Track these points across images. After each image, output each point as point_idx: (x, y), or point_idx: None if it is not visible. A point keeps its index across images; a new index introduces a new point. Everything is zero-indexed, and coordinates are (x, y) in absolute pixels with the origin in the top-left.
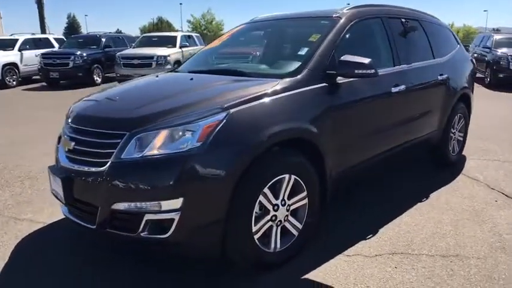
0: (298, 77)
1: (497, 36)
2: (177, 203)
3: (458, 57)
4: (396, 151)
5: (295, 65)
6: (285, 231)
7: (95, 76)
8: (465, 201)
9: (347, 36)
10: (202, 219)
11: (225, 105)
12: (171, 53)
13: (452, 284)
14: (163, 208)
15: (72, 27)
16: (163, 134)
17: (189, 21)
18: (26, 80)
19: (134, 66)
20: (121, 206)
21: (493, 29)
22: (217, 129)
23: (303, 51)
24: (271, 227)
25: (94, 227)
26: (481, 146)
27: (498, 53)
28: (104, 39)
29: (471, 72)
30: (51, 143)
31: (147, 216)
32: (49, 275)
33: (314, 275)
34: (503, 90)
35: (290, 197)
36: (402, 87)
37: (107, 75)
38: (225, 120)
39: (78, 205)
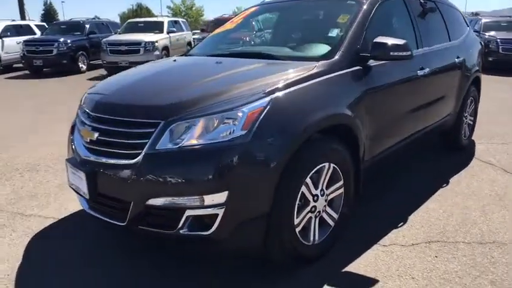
0: (333, 59)
1: (485, 20)
2: (222, 197)
3: (470, 39)
4: (417, 136)
5: (327, 47)
6: (321, 222)
7: (80, 63)
8: (486, 185)
9: (375, 16)
10: (247, 214)
11: (267, 90)
12: (159, 38)
13: (496, 272)
14: (207, 203)
15: (49, 13)
16: (202, 122)
17: (168, 7)
18: (7, 68)
19: (121, 52)
20: (158, 201)
21: (472, 13)
22: (262, 116)
23: (334, 33)
24: (310, 218)
25: (124, 223)
26: (486, 130)
27: (487, 36)
28: (87, 26)
29: (480, 55)
30: (42, 133)
31: (188, 212)
32: (67, 276)
33: (355, 268)
34: (495, 74)
35: (328, 186)
36: (427, 70)
37: (92, 62)
38: (269, 106)
39: (104, 201)
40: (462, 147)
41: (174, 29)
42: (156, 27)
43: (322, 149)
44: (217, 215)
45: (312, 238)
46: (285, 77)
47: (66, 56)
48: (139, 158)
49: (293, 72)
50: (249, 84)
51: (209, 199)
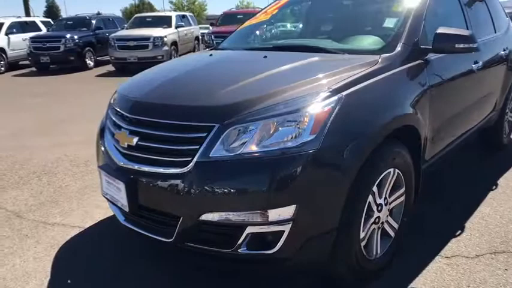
0: (395, 52)
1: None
2: (289, 211)
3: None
4: (467, 135)
5: (384, 39)
6: (383, 234)
7: (87, 60)
8: None
9: (431, 6)
10: (316, 229)
11: (333, 87)
12: (168, 33)
13: None
14: (271, 218)
15: (51, 10)
16: (264, 126)
17: (171, 2)
18: (13, 65)
19: (130, 48)
20: (213, 216)
21: None
22: (331, 117)
23: (390, 23)
24: (373, 230)
25: (171, 240)
26: None
27: None
28: (94, 21)
29: None
30: (54, 133)
31: (250, 229)
32: None
33: (420, 284)
34: None
35: (390, 194)
36: (480, 63)
37: (99, 58)
38: (338, 106)
39: (146, 214)
40: (503, 146)
41: (182, 23)
42: (164, 21)
43: (388, 154)
44: (282, 232)
45: (374, 252)
46: (349, 73)
47: (73, 52)
48: (190, 166)
49: (356, 67)
50: (310, 82)
51: (274, 214)
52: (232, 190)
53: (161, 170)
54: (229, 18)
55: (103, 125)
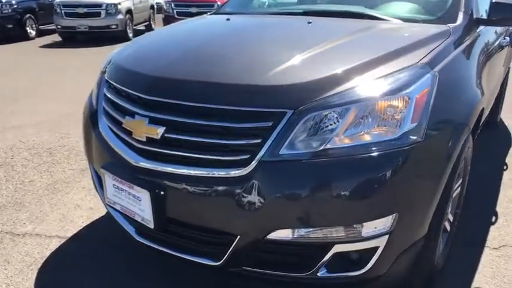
0: (460, 23)
1: None
2: (387, 222)
3: None
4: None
5: (441, 6)
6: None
7: (27, 28)
8: None
9: None
10: (409, 240)
11: (424, 62)
12: (122, 1)
13: None
14: (365, 233)
15: None
16: (354, 112)
17: None
18: None
19: (79, 15)
20: (286, 234)
21: None
22: (431, 100)
23: None
24: None
25: (219, 263)
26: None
27: None
28: None
29: None
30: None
31: (337, 248)
32: None
33: (484, 282)
34: None
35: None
36: (508, 39)
37: (41, 27)
38: (435, 86)
39: (178, 229)
40: (497, 123)
41: None
42: None
43: (467, 142)
44: (376, 248)
45: (437, 252)
46: (428, 45)
47: (11, 19)
48: (250, 168)
49: (431, 39)
50: (391, 55)
51: (369, 227)
52: (313, 200)
53: (205, 172)
54: None
55: (93, 108)
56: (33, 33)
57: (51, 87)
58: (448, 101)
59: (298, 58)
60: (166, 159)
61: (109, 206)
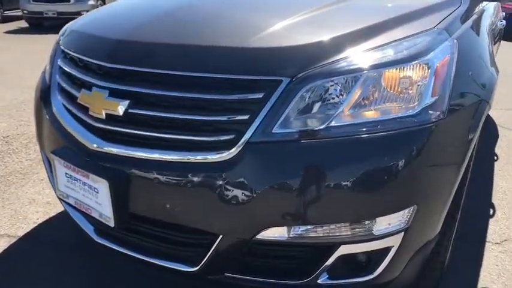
0: None
1: None
2: (403, 217)
3: None
4: None
5: None
6: None
7: None
8: None
9: None
10: (425, 238)
11: (441, 27)
12: None
13: None
14: (377, 231)
15: None
16: (363, 82)
17: None
18: None
19: (47, 0)
20: (280, 233)
21: None
22: (452, 72)
23: None
24: None
25: (196, 269)
26: None
27: None
28: None
29: None
30: None
31: (343, 250)
32: None
33: (490, 281)
34: None
35: None
36: (504, 22)
37: (6, 12)
38: (456, 55)
39: (144, 228)
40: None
41: None
42: None
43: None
44: (390, 248)
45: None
46: (442, 11)
47: None
48: (235, 151)
49: (444, 5)
50: (404, 18)
51: (383, 224)
52: (314, 190)
53: (179, 157)
54: None
55: (46, 85)
56: None
57: (13, 73)
58: (469, 73)
59: (296, 18)
60: (130, 141)
61: (61, 199)
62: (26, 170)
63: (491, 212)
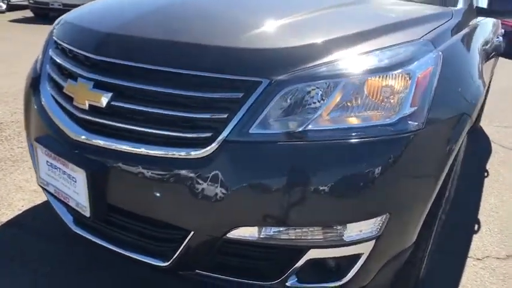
0: (461, 8)
1: None
2: (375, 224)
3: None
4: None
5: None
6: None
7: None
8: None
9: None
10: (398, 246)
11: (427, 39)
12: None
13: None
14: (348, 237)
15: None
16: (343, 88)
17: None
18: None
19: None
20: (251, 233)
21: None
22: (434, 83)
23: None
24: None
25: (167, 264)
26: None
27: None
28: None
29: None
30: None
31: (312, 253)
32: None
33: None
34: None
35: None
36: (500, 39)
37: (13, 1)
38: (439, 67)
39: (120, 219)
40: (475, 129)
41: None
42: None
43: (465, 138)
44: (360, 255)
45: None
46: (431, 23)
47: None
48: (212, 148)
49: (433, 17)
50: (390, 28)
51: (354, 230)
52: (287, 192)
53: (156, 151)
54: None
55: (37, 73)
56: (4, 6)
57: (14, 61)
58: (452, 86)
59: (281, 21)
60: (110, 134)
61: (42, 187)
62: (16, 158)
63: (476, 227)
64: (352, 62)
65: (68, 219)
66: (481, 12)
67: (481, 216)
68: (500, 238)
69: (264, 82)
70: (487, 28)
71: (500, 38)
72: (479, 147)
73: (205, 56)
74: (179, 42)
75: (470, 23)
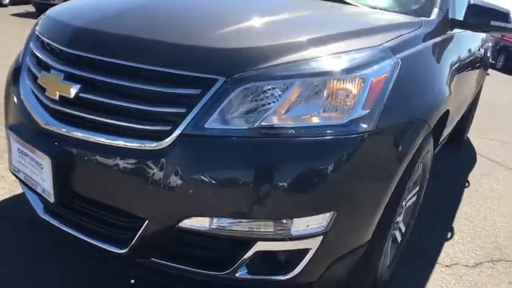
0: (434, 18)
1: None
2: (322, 221)
3: None
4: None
5: (417, 0)
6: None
7: None
8: (509, 188)
9: None
10: (350, 244)
11: (386, 46)
12: None
13: None
14: (295, 231)
15: None
16: (298, 88)
17: None
18: None
19: None
20: (202, 223)
21: None
22: (389, 87)
23: None
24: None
25: (123, 251)
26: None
27: None
28: None
29: None
30: None
31: (260, 246)
32: None
33: None
34: None
35: (408, 192)
36: (482, 51)
37: None
38: (396, 73)
39: (82, 206)
40: (462, 142)
41: None
42: None
43: (425, 143)
44: (307, 250)
45: (387, 262)
46: (395, 32)
47: None
48: (169, 141)
49: (400, 26)
50: (352, 34)
51: (300, 225)
52: (238, 185)
53: (117, 141)
54: None
55: (19, 64)
56: (7, 0)
57: (8, 53)
58: (408, 92)
59: (243, 23)
60: (77, 123)
61: (13, 173)
62: (1, 148)
63: (449, 235)
64: (307, 64)
65: (38, 206)
66: (456, 24)
67: (456, 224)
68: (471, 247)
69: (220, 80)
70: (466, 40)
71: (482, 51)
72: (464, 157)
73: (166, 52)
74: (143, 38)
75: (443, 34)
